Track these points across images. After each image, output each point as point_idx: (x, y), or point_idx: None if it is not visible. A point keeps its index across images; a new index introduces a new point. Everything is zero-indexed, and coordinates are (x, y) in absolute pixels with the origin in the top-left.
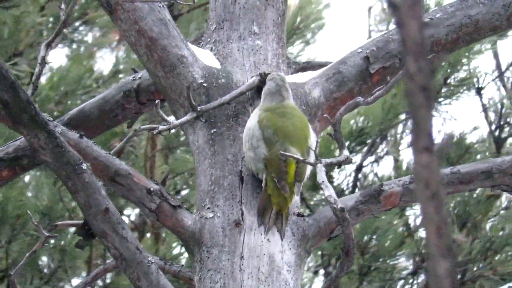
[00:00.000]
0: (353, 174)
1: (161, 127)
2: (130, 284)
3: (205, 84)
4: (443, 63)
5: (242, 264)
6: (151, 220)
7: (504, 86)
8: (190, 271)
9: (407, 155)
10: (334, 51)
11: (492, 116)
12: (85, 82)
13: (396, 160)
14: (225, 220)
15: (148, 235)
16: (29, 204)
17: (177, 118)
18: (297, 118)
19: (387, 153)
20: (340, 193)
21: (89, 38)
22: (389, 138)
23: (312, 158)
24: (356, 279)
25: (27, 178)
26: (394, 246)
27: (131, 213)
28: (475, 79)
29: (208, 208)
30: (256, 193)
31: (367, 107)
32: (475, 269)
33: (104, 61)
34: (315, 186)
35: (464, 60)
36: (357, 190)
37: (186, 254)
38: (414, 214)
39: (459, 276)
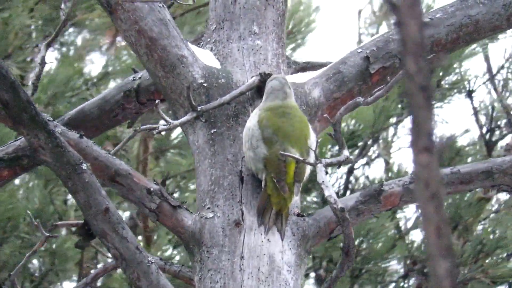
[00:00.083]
0: (344, 177)
1: (161, 127)
2: (121, 286)
3: (205, 84)
4: (442, 64)
5: (242, 264)
6: (143, 223)
7: (495, 89)
8: (190, 271)
9: (398, 158)
10: (324, 54)
11: (483, 119)
12: (74, 84)
13: (387, 163)
14: (225, 220)
15: (140, 237)
16: (20, 206)
17: (177, 118)
18: (297, 118)
19: (378, 156)
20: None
21: (78, 40)
22: (380, 141)
23: (312, 158)
24: (348, 281)
25: (17, 180)
26: (385, 249)
27: (122, 216)
28: (466, 82)
29: (208, 208)
30: (256, 193)
31: (358, 109)
32: (466, 271)
33: (93, 64)
34: (306, 188)
35: (455, 63)
36: (348, 192)
37: (177, 257)
38: (405, 217)
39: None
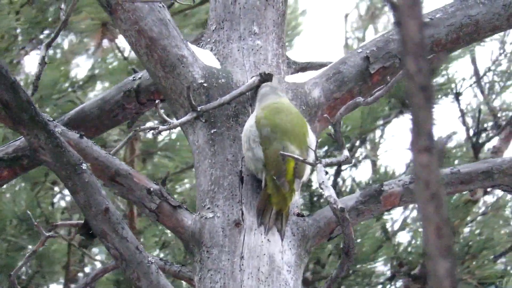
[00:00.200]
0: (332, 178)
1: (161, 127)
2: None
3: (205, 84)
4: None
5: (242, 264)
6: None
7: (482, 91)
8: (190, 271)
9: (385, 159)
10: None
11: (470, 121)
12: (61, 87)
13: (375, 164)
14: (225, 220)
15: None
16: (7, 209)
17: (177, 118)
18: (294, 115)
19: (365, 157)
20: (318, 197)
21: (65, 43)
22: (368, 142)
23: (311, 157)
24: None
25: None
26: (372, 251)
27: None
28: (453, 85)
29: (208, 208)
30: (256, 193)
31: None
32: None
33: (79, 67)
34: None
35: (442, 66)
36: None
37: (167, 259)
38: (391, 218)
39: None
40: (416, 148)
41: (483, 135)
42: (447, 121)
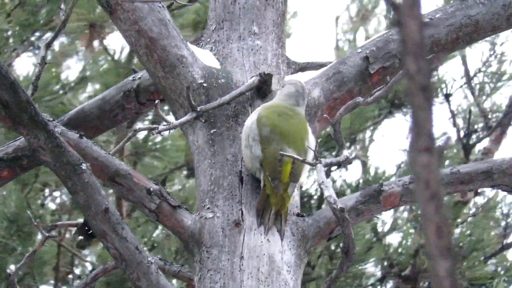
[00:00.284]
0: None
1: (161, 127)
2: None
3: (204, 84)
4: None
5: (242, 264)
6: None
7: (472, 93)
8: (190, 271)
9: (375, 160)
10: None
11: (460, 122)
12: (52, 88)
13: (365, 165)
14: (224, 220)
15: None
16: None
17: (177, 118)
18: (297, 120)
19: (355, 158)
20: (308, 198)
21: (56, 45)
22: (357, 143)
23: (311, 158)
24: (324, 284)
25: None
26: (362, 252)
27: None
28: (443, 85)
29: (208, 208)
30: (256, 193)
31: None
32: None
33: (70, 69)
34: None
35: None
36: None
37: None
38: (382, 220)
39: (427, 282)
40: (416, 148)
41: (474, 136)
42: (438, 122)
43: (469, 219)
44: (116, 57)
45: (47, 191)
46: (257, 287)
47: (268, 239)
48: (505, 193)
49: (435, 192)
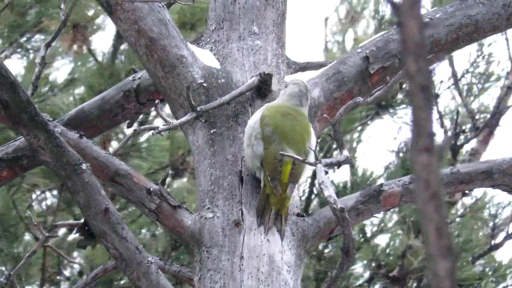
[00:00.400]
0: (309, 180)
1: (161, 127)
2: None
3: (204, 84)
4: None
5: (242, 264)
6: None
7: (460, 94)
8: (190, 271)
9: (362, 161)
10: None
11: (448, 123)
12: (40, 90)
13: (353, 166)
14: (224, 220)
15: None
16: None
17: (177, 118)
18: (299, 121)
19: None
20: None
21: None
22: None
23: (312, 158)
24: (313, 285)
25: None
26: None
27: None
28: None
29: (208, 208)
30: (256, 193)
31: None
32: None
33: (58, 71)
34: None
35: None
36: (313, 196)
37: None
38: (371, 221)
39: (415, 283)
40: (416, 148)
41: (461, 137)
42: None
43: (457, 219)
44: (100, 58)
45: (38, 192)
46: (257, 287)
47: (268, 239)
48: (505, 193)
49: (435, 192)
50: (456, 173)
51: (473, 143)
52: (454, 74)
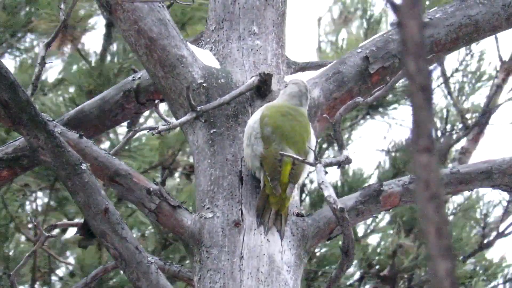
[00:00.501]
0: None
1: (161, 127)
2: None
3: (204, 84)
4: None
5: (242, 264)
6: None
7: (450, 92)
8: (190, 271)
9: (353, 161)
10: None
11: (437, 122)
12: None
13: (343, 166)
14: (224, 220)
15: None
16: None
17: (176, 118)
18: (299, 121)
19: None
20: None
21: (37, 47)
22: (335, 144)
23: (311, 158)
24: (303, 285)
25: None
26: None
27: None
28: None
29: (208, 208)
30: (255, 193)
31: None
32: (422, 274)
33: (47, 71)
34: None
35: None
36: (303, 195)
37: None
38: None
39: (406, 282)
40: (416, 148)
41: (452, 136)
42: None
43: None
44: (90, 58)
45: (28, 192)
46: (257, 287)
47: (268, 239)
48: (505, 193)
49: (435, 192)
50: (456, 173)
51: (463, 142)
52: (443, 73)
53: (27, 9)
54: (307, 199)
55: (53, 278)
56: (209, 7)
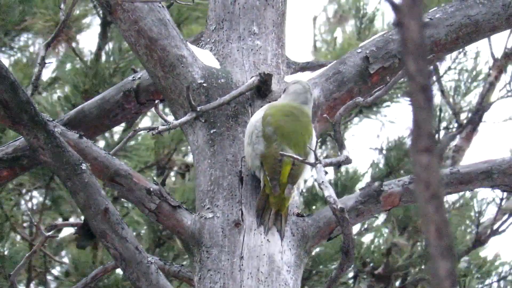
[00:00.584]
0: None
1: (160, 127)
2: None
3: (204, 84)
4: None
5: (242, 264)
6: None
7: (442, 90)
8: (190, 271)
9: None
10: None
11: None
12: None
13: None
14: (224, 220)
15: None
16: None
17: (176, 118)
18: (301, 122)
19: (326, 157)
20: None
21: (32, 46)
22: (328, 142)
23: (311, 159)
24: None
25: None
26: (335, 251)
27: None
28: None
29: (208, 208)
30: (255, 193)
31: None
32: (416, 272)
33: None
34: None
35: None
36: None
37: None
38: None
39: (400, 280)
40: (416, 149)
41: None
42: (408, 120)
43: None
44: (86, 58)
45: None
46: (257, 287)
47: (268, 239)
48: (505, 193)
49: (435, 192)
50: (456, 173)
51: (456, 140)
52: (436, 71)
53: (21, 8)
54: (301, 198)
55: (48, 277)
56: (209, 7)
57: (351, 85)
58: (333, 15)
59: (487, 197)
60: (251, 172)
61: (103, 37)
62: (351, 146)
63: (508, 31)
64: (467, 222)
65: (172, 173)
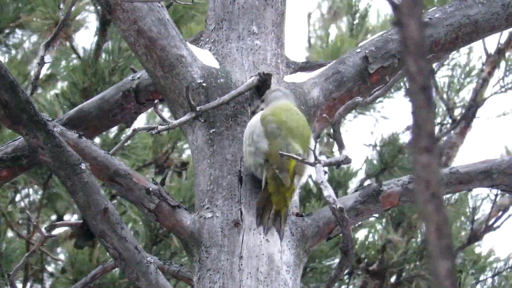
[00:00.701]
0: None
1: (160, 127)
2: None
3: (204, 84)
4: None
5: (241, 264)
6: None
7: (436, 86)
8: (190, 271)
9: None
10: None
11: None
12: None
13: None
14: (224, 220)
15: None
16: None
17: (176, 118)
18: (301, 116)
19: (320, 154)
20: None
21: (27, 43)
22: (324, 139)
23: (311, 158)
24: None
25: None
26: (329, 247)
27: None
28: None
29: (207, 208)
30: (255, 193)
31: None
32: (411, 268)
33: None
34: None
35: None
36: None
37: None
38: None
39: (395, 276)
40: (416, 148)
41: (439, 129)
42: (402, 116)
43: None
44: (82, 55)
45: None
46: (256, 287)
47: (267, 239)
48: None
49: (435, 192)
50: (455, 173)
51: (450, 136)
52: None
53: (15, 5)
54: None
55: (44, 274)
56: (208, 6)
57: (350, 84)
58: (327, 11)
59: (482, 193)
60: (251, 172)
61: (102, 36)
62: (345, 143)
63: None
64: (462, 218)
65: (170, 172)
